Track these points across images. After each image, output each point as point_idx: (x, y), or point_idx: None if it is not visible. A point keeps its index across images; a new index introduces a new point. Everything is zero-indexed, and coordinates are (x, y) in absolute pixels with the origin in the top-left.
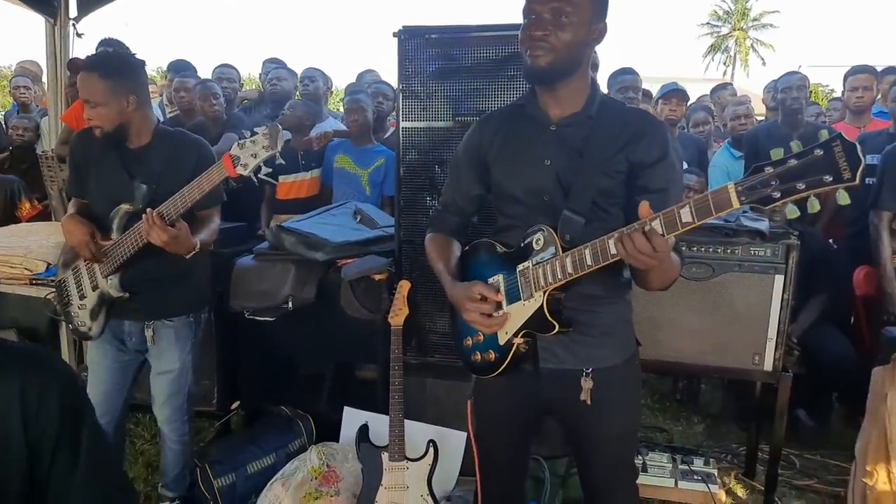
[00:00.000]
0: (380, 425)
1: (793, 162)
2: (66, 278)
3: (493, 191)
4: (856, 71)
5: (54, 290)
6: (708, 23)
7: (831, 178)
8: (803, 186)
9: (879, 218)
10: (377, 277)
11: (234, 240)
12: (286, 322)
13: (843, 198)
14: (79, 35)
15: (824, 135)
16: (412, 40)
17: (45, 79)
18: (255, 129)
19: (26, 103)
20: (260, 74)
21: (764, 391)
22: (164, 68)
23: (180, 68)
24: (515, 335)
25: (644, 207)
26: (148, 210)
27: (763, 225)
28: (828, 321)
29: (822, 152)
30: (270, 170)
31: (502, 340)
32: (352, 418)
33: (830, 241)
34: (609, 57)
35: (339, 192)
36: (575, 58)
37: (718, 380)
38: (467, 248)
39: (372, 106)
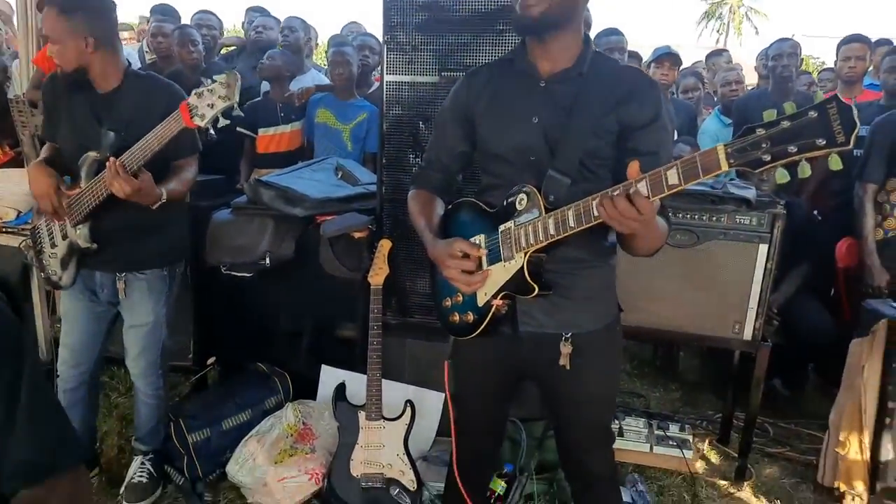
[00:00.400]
0: (357, 385)
1: (785, 124)
2: (40, 226)
3: (478, 148)
4: (849, 40)
5: (28, 237)
6: None
7: (824, 142)
8: (795, 150)
9: (864, 190)
10: (357, 235)
11: (211, 193)
12: (265, 278)
13: (836, 162)
14: None
15: (820, 96)
16: None
17: (15, 20)
18: (214, 78)
19: None
20: (243, 23)
21: (742, 360)
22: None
23: (161, 12)
24: (494, 297)
25: (634, 167)
26: (111, 159)
27: (750, 193)
28: (808, 292)
29: (816, 114)
30: (228, 122)
31: (481, 302)
32: (329, 377)
33: (815, 212)
34: (600, 21)
35: (321, 148)
36: (568, 9)
37: (697, 347)
38: (449, 207)
39: (357, 59)
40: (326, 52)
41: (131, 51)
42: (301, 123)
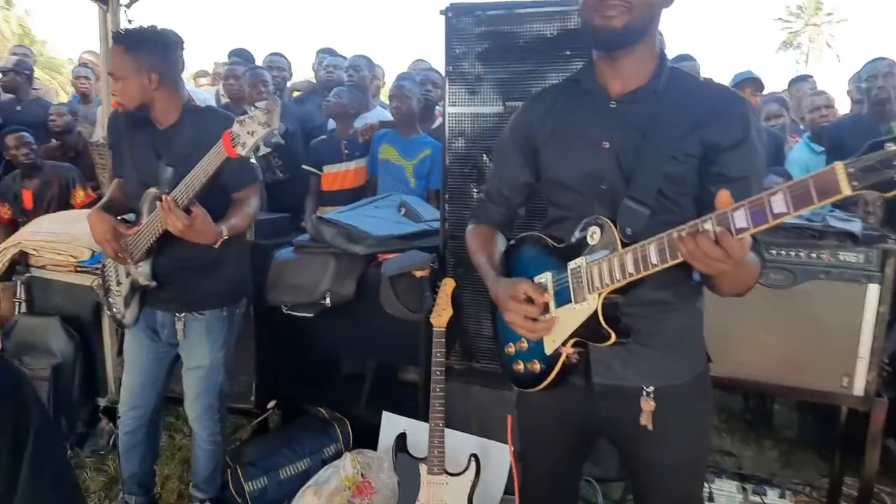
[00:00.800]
0: (420, 433)
1: None
2: (108, 263)
3: (542, 177)
4: None
5: (99, 276)
6: (780, 18)
7: None
8: None
9: None
10: (419, 274)
11: (275, 231)
12: (327, 318)
13: None
14: (129, 22)
15: None
16: (460, 18)
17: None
18: (256, 105)
19: (86, 93)
20: (313, 65)
21: (851, 417)
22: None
23: (237, 55)
24: (564, 344)
25: (724, 196)
26: (163, 195)
27: (855, 226)
28: None
29: None
30: (269, 149)
31: (549, 349)
32: (391, 424)
33: None
34: (674, 49)
35: (384, 184)
36: (650, 18)
37: (793, 399)
38: (512, 242)
39: (418, 94)
40: None
41: (208, 95)
42: (366, 160)
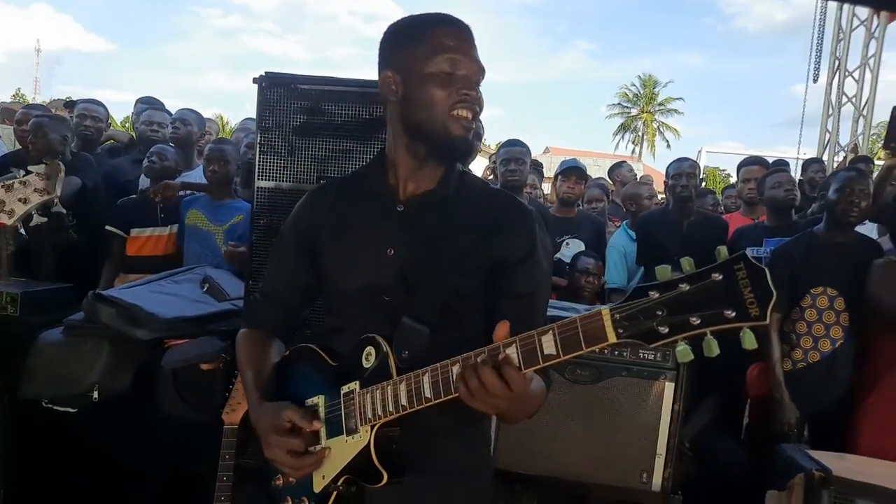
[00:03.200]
0: None
1: (684, 287)
2: None
3: (322, 282)
4: (747, 162)
5: None
6: (619, 103)
7: (734, 313)
8: (698, 321)
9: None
10: (205, 367)
11: (48, 306)
12: (102, 413)
13: (750, 341)
14: None
15: (723, 253)
16: (275, 89)
17: None
18: (31, 168)
19: None
20: (132, 115)
21: None
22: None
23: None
24: (335, 481)
25: (503, 329)
26: None
27: None
28: (720, 425)
29: (720, 277)
30: (45, 219)
31: (318, 487)
32: None
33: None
34: (515, 128)
35: (191, 252)
36: None
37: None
38: (287, 353)
39: (238, 157)
40: None
41: None
42: None
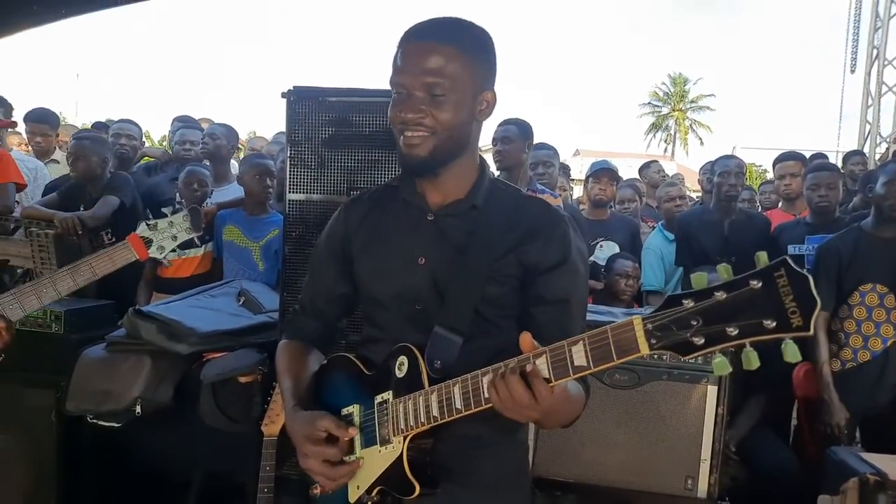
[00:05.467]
0: None
1: (721, 295)
2: None
3: (358, 291)
4: (783, 158)
5: None
6: (649, 102)
7: (774, 323)
8: (735, 332)
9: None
10: (244, 380)
11: (90, 323)
12: (144, 426)
13: (793, 353)
14: None
15: (762, 259)
16: (304, 102)
17: None
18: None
19: None
20: (169, 132)
21: None
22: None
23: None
24: (369, 492)
25: (526, 339)
26: None
27: None
28: (767, 426)
29: (759, 284)
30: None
31: (353, 497)
32: None
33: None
34: (547, 127)
35: (229, 269)
36: (460, 139)
37: None
38: (324, 362)
39: (275, 170)
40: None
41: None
42: (213, 244)
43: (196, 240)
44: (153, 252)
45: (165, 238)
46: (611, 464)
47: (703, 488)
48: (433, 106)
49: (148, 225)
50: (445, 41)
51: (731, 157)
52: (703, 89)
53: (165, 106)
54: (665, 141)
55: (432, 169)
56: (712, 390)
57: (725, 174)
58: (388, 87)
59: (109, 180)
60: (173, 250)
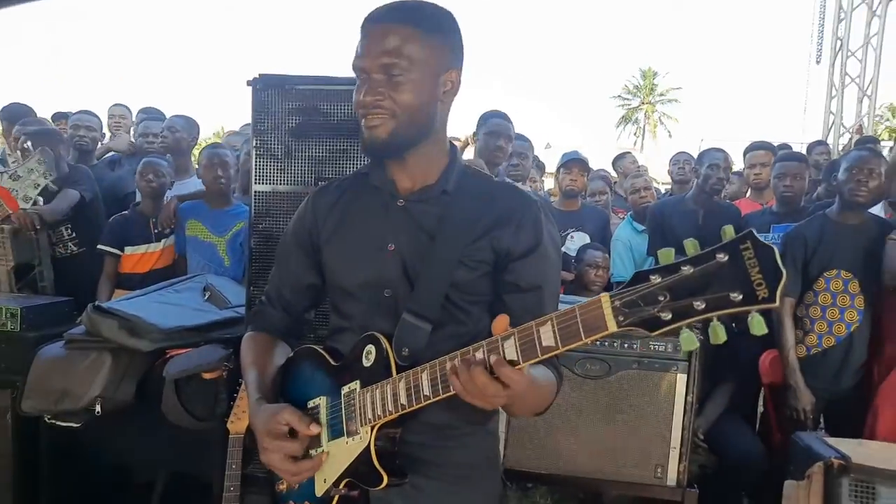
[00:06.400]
0: None
1: (687, 269)
2: None
3: (326, 280)
4: (754, 147)
5: None
6: (619, 95)
7: (741, 296)
8: (702, 306)
9: (781, 303)
10: (208, 376)
11: (48, 320)
12: (105, 426)
13: (759, 325)
14: None
15: (728, 232)
16: (269, 90)
17: None
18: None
19: None
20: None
21: None
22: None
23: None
24: (336, 484)
25: (501, 322)
26: None
27: None
28: (734, 413)
29: (726, 258)
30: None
31: (320, 491)
32: None
33: (734, 324)
34: (526, 121)
35: (194, 264)
36: (423, 121)
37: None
38: (291, 355)
39: (231, 161)
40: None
41: None
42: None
43: (152, 229)
44: (21, 202)
45: (27, 186)
46: (581, 454)
47: (672, 476)
48: (391, 88)
49: (9, 175)
50: (402, 21)
51: (720, 150)
52: (672, 82)
53: (131, 99)
54: (635, 134)
55: (396, 152)
56: (682, 378)
57: (715, 167)
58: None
59: (68, 174)
60: (38, 196)
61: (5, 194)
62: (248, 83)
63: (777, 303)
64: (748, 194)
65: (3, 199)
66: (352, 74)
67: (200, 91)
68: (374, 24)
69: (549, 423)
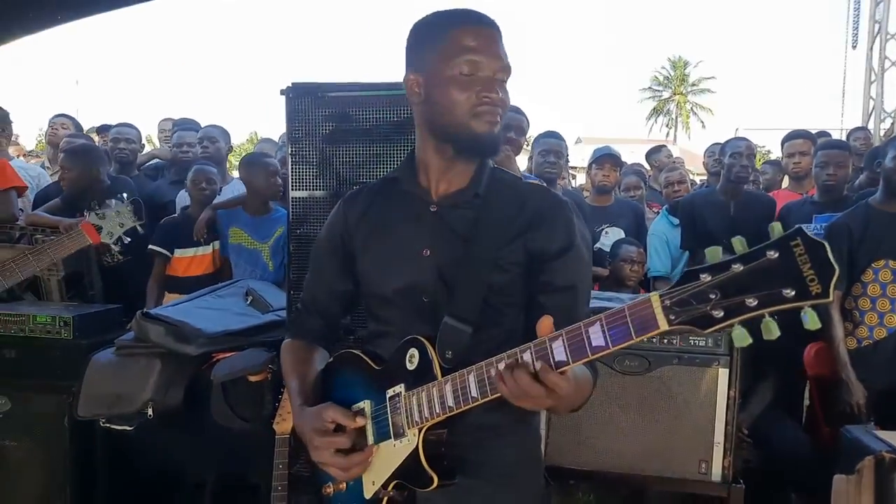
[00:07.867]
0: None
1: (738, 267)
2: None
3: (361, 287)
4: (792, 136)
5: None
6: (650, 87)
7: (793, 292)
8: (755, 303)
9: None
10: (254, 379)
11: (99, 327)
12: (158, 427)
13: (813, 320)
14: None
15: (777, 229)
16: (302, 98)
17: None
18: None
19: None
20: (158, 134)
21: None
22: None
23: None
24: (385, 486)
25: (546, 323)
26: None
27: None
28: (779, 407)
29: (776, 255)
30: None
31: (368, 493)
32: None
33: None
34: (550, 118)
35: (239, 270)
36: None
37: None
38: (331, 360)
39: (279, 169)
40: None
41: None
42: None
43: (202, 240)
44: (104, 238)
45: (114, 225)
46: (624, 450)
47: (717, 472)
48: (503, 90)
49: (96, 213)
50: (499, 30)
51: (742, 138)
52: (704, 72)
53: (166, 109)
54: (667, 125)
55: (499, 148)
56: (724, 373)
57: (737, 155)
58: (385, 80)
59: (111, 185)
60: (119, 237)
61: (90, 229)
62: (282, 92)
63: (830, 298)
64: (787, 184)
65: (86, 232)
66: (380, 80)
67: (233, 98)
68: (484, 26)
69: (590, 420)
